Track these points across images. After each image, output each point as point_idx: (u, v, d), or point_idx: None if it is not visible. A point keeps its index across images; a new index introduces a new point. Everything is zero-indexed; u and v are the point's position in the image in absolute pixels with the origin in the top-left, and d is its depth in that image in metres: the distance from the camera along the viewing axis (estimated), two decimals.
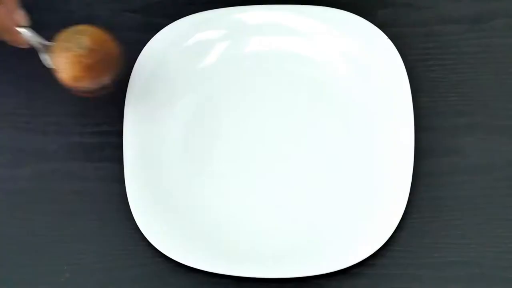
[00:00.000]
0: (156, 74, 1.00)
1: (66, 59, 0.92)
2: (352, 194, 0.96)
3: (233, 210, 0.96)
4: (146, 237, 0.93)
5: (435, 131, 0.99)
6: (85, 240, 0.95)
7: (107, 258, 0.95)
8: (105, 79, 0.93)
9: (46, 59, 0.94)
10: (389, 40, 1.00)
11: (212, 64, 1.01)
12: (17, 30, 0.91)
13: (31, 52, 1.03)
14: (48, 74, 1.02)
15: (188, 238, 0.94)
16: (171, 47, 1.01)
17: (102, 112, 1.00)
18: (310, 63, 1.01)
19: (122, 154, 0.96)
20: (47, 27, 1.01)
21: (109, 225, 0.96)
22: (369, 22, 1.01)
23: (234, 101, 1.00)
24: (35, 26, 1.03)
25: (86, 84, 0.93)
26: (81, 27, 0.94)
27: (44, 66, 1.00)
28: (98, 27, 0.93)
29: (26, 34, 0.92)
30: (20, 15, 0.91)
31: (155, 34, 1.01)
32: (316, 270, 0.92)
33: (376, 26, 1.01)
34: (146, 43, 1.01)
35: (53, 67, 0.93)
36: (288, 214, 0.96)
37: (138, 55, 1.00)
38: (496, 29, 1.04)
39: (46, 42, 0.94)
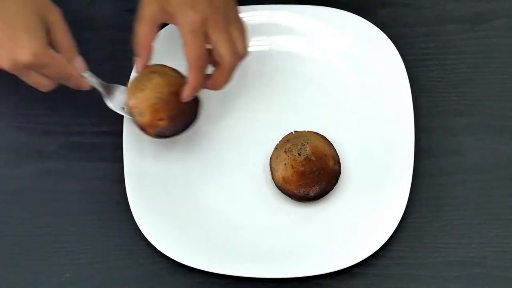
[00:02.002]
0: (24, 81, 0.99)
1: (143, 100, 0.92)
2: (352, 194, 0.96)
3: (233, 210, 0.96)
4: (146, 237, 0.93)
5: (435, 131, 0.99)
6: (85, 240, 0.95)
7: (107, 258, 0.95)
8: (183, 122, 0.94)
9: (108, 101, 0.95)
10: (389, 40, 1.00)
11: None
12: (79, 76, 0.93)
13: None
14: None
15: (188, 238, 0.94)
16: (171, 47, 1.01)
17: (102, 112, 1.00)
18: (310, 63, 1.01)
19: (122, 154, 0.96)
20: None
21: (109, 225, 0.96)
22: (369, 22, 1.01)
23: (234, 100, 1.00)
24: None
25: (163, 127, 0.93)
26: (154, 67, 0.94)
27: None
28: (170, 70, 0.94)
29: (88, 78, 0.94)
30: (79, 62, 0.94)
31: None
32: (316, 270, 0.92)
33: (376, 26, 1.01)
34: None
35: (125, 110, 0.94)
36: (288, 215, 0.96)
37: None
38: (496, 29, 1.04)
39: (108, 84, 0.96)
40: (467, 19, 1.04)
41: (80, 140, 0.99)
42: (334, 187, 0.95)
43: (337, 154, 0.96)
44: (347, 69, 1.01)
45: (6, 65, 0.88)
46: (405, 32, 1.03)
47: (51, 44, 0.90)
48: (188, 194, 0.96)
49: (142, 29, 0.93)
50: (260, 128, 0.99)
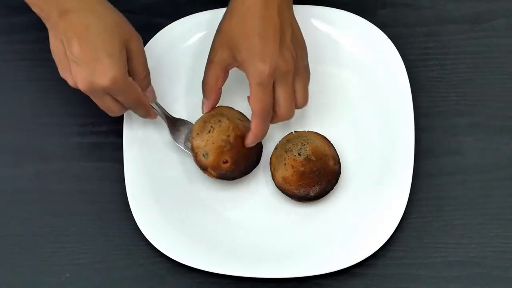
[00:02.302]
0: (156, 74, 1.00)
1: (210, 142, 0.93)
2: (352, 194, 0.96)
3: (233, 210, 0.96)
4: (146, 237, 0.93)
5: (435, 131, 0.99)
6: (85, 240, 0.95)
7: (107, 258, 0.95)
8: (246, 166, 0.95)
9: (172, 135, 0.97)
10: (389, 40, 1.00)
11: None
12: (150, 106, 0.94)
13: (31, 54, 1.03)
14: (48, 75, 1.02)
15: (188, 238, 0.94)
16: (171, 47, 1.01)
17: (102, 112, 1.00)
18: (310, 63, 1.01)
19: (122, 154, 0.96)
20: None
21: (109, 225, 0.96)
22: (369, 22, 1.01)
23: (234, 101, 1.00)
24: (36, 27, 1.03)
25: (227, 170, 0.94)
26: (221, 109, 0.95)
27: (44, 66, 1.00)
28: (238, 113, 0.95)
29: (156, 109, 0.96)
30: (151, 92, 0.95)
31: (155, 34, 1.01)
32: (316, 270, 0.92)
33: (376, 26, 1.01)
34: (146, 43, 1.01)
35: (190, 147, 0.94)
36: (288, 215, 0.96)
37: None
38: (496, 29, 1.04)
39: (174, 117, 0.97)
40: (467, 19, 1.04)
41: (80, 140, 0.99)
42: (334, 187, 0.95)
43: (337, 154, 0.96)
44: (347, 69, 1.01)
45: (83, 86, 0.89)
46: (405, 32, 1.03)
47: (129, 71, 0.90)
48: (188, 194, 0.96)
49: (212, 72, 0.93)
50: None
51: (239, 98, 0.98)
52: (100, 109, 1.00)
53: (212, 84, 0.94)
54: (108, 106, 0.92)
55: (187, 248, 0.93)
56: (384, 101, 0.99)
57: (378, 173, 0.96)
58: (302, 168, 0.93)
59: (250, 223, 0.95)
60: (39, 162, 0.98)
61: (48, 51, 1.00)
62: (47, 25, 0.90)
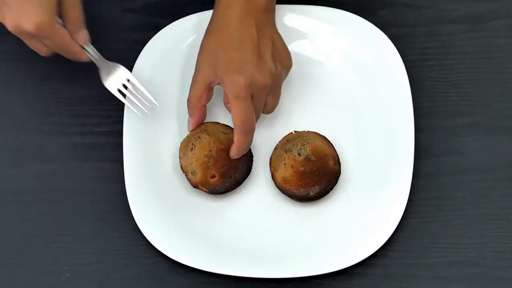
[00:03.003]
0: (156, 74, 1.00)
1: (194, 159, 0.93)
2: (352, 194, 0.96)
3: (233, 210, 0.96)
4: (146, 237, 0.93)
5: (435, 131, 0.99)
6: (85, 240, 0.95)
7: (107, 258, 0.95)
8: (236, 178, 0.95)
9: (104, 80, 0.96)
10: (389, 40, 1.00)
11: None
12: (79, 50, 0.95)
13: (31, 54, 1.03)
14: (48, 75, 1.02)
15: (188, 238, 0.94)
16: (171, 47, 1.01)
17: (102, 112, 1.00)
18: (310, 63, 1.01)
19: (122, 154, 0.96)
20: None
21: (109, 225, 0.96)
22: (369, 22, 1.01)
23: (218, 115, 1.00)
24: None
25: (216, 184, 0.94)
26: (204, 126, 0.96)
27: (43, 67, 1.00)
28: (222, 127, 0.96)
29: (89, 51, 0.96)
30: (83, 34, 0.95)
31: (155, 34, 1.01)
32: (316, 270, 0.92)
33: (376, 26, 1.01)
34: (146, 43, 1.01)
35: (184, 166, 0.95)
36: (288, 215, 0.96)
37: (138, 55, 1.00)
38: (496, 29, 1.04)
39: (108, 61, 0.97)
40: (467, 19, 1.04)
41: (80, 140, 0.99)
42: (334, 187, 0.95)
43: (337, 154, 0.96)
44: (347, 69, 1.01)
45: (10, 27, 0.90)
46: (405, 32, 1.03)
47: (61, 13, 0.91)
48: (188, 194, 0.96)
49: (195, 91, 0.94)
50: (260, 128, 0.99)
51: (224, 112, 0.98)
52: (100, 109, 1.00)
53: (195, 103, 0.95)
54: (37, 48, 0.93)
55: (187, 248, 0.93)
56: (384, 101, 0.99)
57: (378, 173, 0.96)
58: (302, 168, 0.93)
59: (250, 223, 0.95)
60: (39, 162, 0.98)
61: None
62: None
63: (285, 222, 0.96)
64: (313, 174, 0.93)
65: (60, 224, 0.96)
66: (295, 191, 0.94)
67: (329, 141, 0.96)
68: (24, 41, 0.93)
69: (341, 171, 0.96)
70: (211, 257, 0.93)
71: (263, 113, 0.95)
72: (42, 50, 0.94)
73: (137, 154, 0.97)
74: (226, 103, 0.94)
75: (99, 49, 0.95)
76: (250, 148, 0.96)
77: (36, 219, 0.96)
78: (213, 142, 0.94)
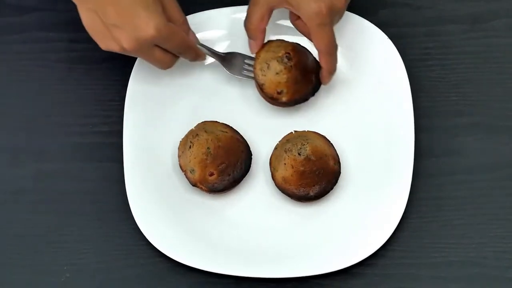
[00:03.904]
0: (156, 74, 1.00)
1: (192, 157, 0.94)
2: (352, 194, 0.96)
3: (233, 210, 0.96)
4: (146, 237, 0.93)
5: (435, 131, 0.99)
6: (85, 240, 0.95)
7: (107, 258, 0.95)
8: (234, 176, 0.95)
9: (227, 70, 0.99)
10: (389, 40, 1.00)
11: (212, 64, 1.01)
12: (197, 47, 0.96)
13: (31, 54, 1.03)
14: (48, 75, 1.02)
15: (188, 238, 0.94)
16: None
17: (102, 112, 1.00)
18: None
19: (122, 154, 0.96)
20: (48, 27, 1.02)
21: (109, 225, 0.96)
22: (369, 22, 1.01)
23: (234, 100, 1.00)
24: (36, 27, 1.03)
25: (214, 181, 0.94)
26: (203, 124, 0.96)
27: (43, 67, 1.00)
28: (220, 125, 0.96)
29: (203, 49, 0.97)
30: (193, 35, 0.96)
31: None
32: (316, 270, 0.92)
33: (376, 26, 1.01)
34: None
35: (183, 165, 0.95)
36: (288, 215, 0.96)
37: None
38: (496, 29, 1.04)
39: (222, 53, 0.98)
40: (467, 19, 1.04)
41: (80, 140, 0.99)
42: (334, 187, 0.95)
43: (337, 154, 0.96)
44: (347, 69, 1.01)
45: (129, 45, 0.89)
46: (405, 32, 1.03)
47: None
48: (188, 194, 0.96)
49: (257, 13, 0.94)
50: (260, 128, 0.99)
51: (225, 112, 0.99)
52: (100, 109, 1.00)
53: (257, 25, 0.95)
54: (159, 59, 0.93)
55: (187, 248, 0.93)
56: (384, 101, 0.99)
57: (378, 173, 0.96)
58: (302, 168, 0.93)
59: (250, 223, 0.95)
60: (39, 162, 0.98)
61: (48, 51, 1.01)
62: (74, 1, 0.89)
63: (285, 222, 0.96)
64: (313, 174, 0.93)
65: (60, 224, 0.96)
66: (295, 191, 0.94)
67: (329, 141, 0.96)
68: (145, 57, 0.92)
69: (341, 171, 0.96)
70: (211, 257, 0.93)
71: None
72: (165, 59, 0.93)
73: (137, 154, 0.97)
74: (294, 20, 0.95)
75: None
76: (248, 146, 0.96)
77: (36, 219, 0.96)
78: (211, 140, 0.94)
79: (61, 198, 0.97)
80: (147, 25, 0.88)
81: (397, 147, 0.96)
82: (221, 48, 1.01)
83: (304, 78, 0.96)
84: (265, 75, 0.96)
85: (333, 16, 0.92)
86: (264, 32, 0.96)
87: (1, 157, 0.99)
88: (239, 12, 1.01)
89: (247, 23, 0.96)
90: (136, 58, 0.99)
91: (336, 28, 1.01)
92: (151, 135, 0.98)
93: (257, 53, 0.97)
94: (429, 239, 0.95)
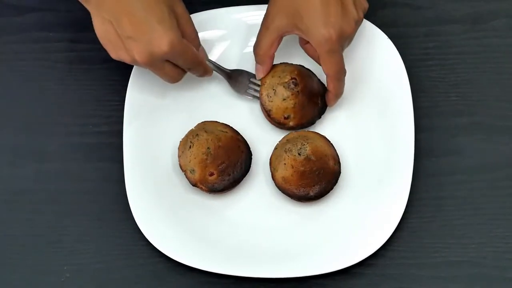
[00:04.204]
0: (156, 74, 1.00)
1: (192, 157, 0.94)
2: (352, 194, 0.96)
3: (233, 210, 0.96)
4: (146, 237, 0.93)
5: (435, 131, 0.99)
6: (85, 240, 0.95)
7: (107, 258, 0.95)
8: (234, 176, 0.94)
9: (232, 87, 0.99)
10: (389, 40, 1.00)
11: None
12: (206, 63, 0.96)
13: (31, 54, 1.03)
14: (48, 75, 1.02)
15: (188, 238, 0.94)
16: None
17: (102, 112, 1.00)
18: (310, 63, 1.01)
19: (122, 154, 0.96)
20: (48, 27, 1.02)
21: (109, 225, 0.96)
22: (369, 22, 1.01)
23: (234, 100, 1.00)
24: (36, 27, 1.03)
25: (214, 181, 0.94)
26: (203, 124, 0.96)
27: (43, 67, 1.00)
28: (220, 125, 0.96)
29: (211, 66, 0.97)
30: (203, 51, 0.96)
31: None
32: (316, 270, 0.92)
33: (376, 26, 1.01)
34: None
35: (183, 165, 0.95)
36: (288, 215, 0.96)
37: None
38: (496, 29, 1.04)
39: (229, 70, 0.99)
40: (467, 19, 1.04)
41: (80, 140, 0.99)
42: (334, 187, 0.95)
43: (337, 154, 0.96)
44: (347, 69, 1.01)
45: (142, 58, 0.89)
46: (405, 32, 1.03)
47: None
48: (188, 194, 0.96)
49: (267, 39, 0.94)
50: (260, 128, 0.99)
51: (226, 110, 0.99)
52: (100, 109, 1.00)
53: (266, 51, 0.95)
54: (169, 73, 0.93)
55: (187, 248, 0.93)
56: (384, 101, 0.99)
57: (378, 173, 0.96)
58: (302, 168, 0.93)
59: (250, 223, 0.95)
60: (39, 162, 0.98)
61: (48, 51, 1.01)
62: (89, 9, 0.90)
63: (285, 222, 0.96)
64: (313, 174, 0.93)
65: (60, 224, 0.96)
66: (295, 191, 0.94)
67: (329, 141, 0.96)
68: (156, 71, 0.92)
69: (341, 171, 0.96)
70: (211, 257, 0.93)
71: None
72: (174, 74, 0.94)
73: (137, 154, 0.97)
74: (304, 44, 0.95)
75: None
76: (249, 146, 0.96)
77: (36, 219, 0.96)
78: (211, 140, 0.94)
79: (61, 198, 0.97)
80: (162, 40, 0.88)
81: (397, 147, 0.96)
82: (221, 48, 1.01)
83: (310, 102, 0.97)
84: (272, 101, 0.96)
85: (343, 42, 0.92)
86: (272, 58, 0.96)
87: (1, 157, 0.99)
88: (239, 13, 1.01)
89: (256, 48, 0.96)
90: None
91: None
92: (151, 135, 0.98)
93: (262, 78, 0.98)
94: (429, 239, 0.95)
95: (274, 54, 0.96)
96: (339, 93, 0.96)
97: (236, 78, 0.99)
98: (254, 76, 0.99)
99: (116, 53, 0.90)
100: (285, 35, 0.94)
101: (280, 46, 0.96)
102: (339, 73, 0.93)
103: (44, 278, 0.94)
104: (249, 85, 0.99)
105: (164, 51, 0.88)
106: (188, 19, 0.93)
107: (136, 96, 0.99)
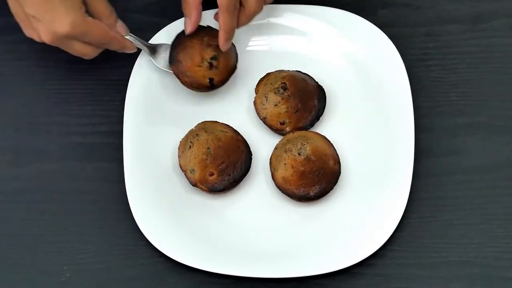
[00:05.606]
0: (156, 74, 1.00)
1: (192, 157, 0.94)
2: (352, 194, 0.96)
3: (233, 210, 0.96)
4: (146, 237, 0.93)
5: (435, 131, 0.99)
6: (85, 240, 0.95)
7: (107, 258, 0.95)
8: (234, 176, 0.94)
9: (155, 61, 0.99)
10: (389, 40, 1.00)
11: None
12: (122, 38, 0.96)
13: (31, 54, 1.03)
14: (48, 75, 1.02)
15: (188, 238, 0.94)
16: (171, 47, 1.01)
17: (102, 112, 1.00)
18: (310, 63, 1.01)
19: (122, 154, 0.96)
20: None
21: (109, 225, 0.96)
22: (369, 22, 1.01)
23: (234, 100, 1.00)
24: None
25: (214, 181, 0.94)
26: (203, 124, 0.96)
27: (42, 67, 1.00)
28: (220, 125, 0.96)
29: (132, 40, 0.97)
30: (120, 26, 0.96)
31: (155, 34, 1.01)
32: (316, 270, 0.92)
33: (376, 26, 1.01)
34: None
35: (183, 165, 0.95)
36: (288, 215, 0.96)
37: (138, 55, 1.00)
38: (496, 29, 1.04)
39: (152, 44, 0.99)
40: (467, 19, 1.04)
41: (80, 140, 0.99)
42: (334, 187, 0.95)
43: (337, 154, 0.96)
44: (347, 69, 1.01)
45: (46, 38, 0.91)
46: (405, 32, 1.03)
47: (91, 13, 0.92)
48: (188, 194, 0.96)
49: None
50: (260, 128, 0.99)
51: (233, 110, 0.99)
52: (100, 109, 1.00)
53: (192, 2, 0.95)
54: (80, 51, 0.94)
55: (187, 248, 0.93)
56: (384, 101, 0.99)
57: (378, 173, 0.96)
58: (302, 168, 0.93)
59: (250, 223, 0.95)
60: (39, 162, 0.98)
61: (48, 51, 1.01)
62: None
63: (285, 222, 0.96)
64: (313, 174, 0.93)
65: (60, 224, 0.96)
66: (295, 191, 0.94)
67: (329, 141, 0.96)
68: (65, 50, 0.94)
69: (341, 171, 0.96)
70: (211, 257, 0.93)
71: (265, 2, 0.96)
72: (86, 51, 0.94)
73: (137, 154, 0.97)
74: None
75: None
76: (249, 146, 0.96)
77: (36, 219, 0.96)
78: (211, 140, 0.94)
79: (61, 198, 0.97)
80: (63, 20, 0.89)
81: (397, 147, 0.96)
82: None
83: (304, 105, 0.96)
84: (265, 108, 0.97)
85: None
86: (199, 9, 0.95)
87: (1, 157, 0.99)
88: None
89: (182, 2, 0.96)
90: (136, 58, 0.99)
91: (336, 27, 1.01)
92: (151, 135, 0.98)
93: (256, 87, 0.98)
94: (429, 239, 0.95)
95: (200, 4, 0.95)
96: (229, 29, 0.94)
97: (159, 52, 0.99)
98: None
99: (27, 31, 0.93)
100: None
101: (277, 51, 0.96)
102: (231, 5, 0.92)
103: (44, 278, 0.94)
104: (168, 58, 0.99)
105: (66, 31, 0.89)
106: None
107: (136, 96, 0.99)
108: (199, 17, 0.96)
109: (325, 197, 0.95)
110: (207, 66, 0.96)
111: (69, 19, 0.89)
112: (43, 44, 0.93)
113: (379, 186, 0.95)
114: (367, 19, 1.01)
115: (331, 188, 0.95)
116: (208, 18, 0.99)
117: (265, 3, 0.95)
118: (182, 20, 1.01)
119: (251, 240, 0.94)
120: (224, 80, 0.98)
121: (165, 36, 1.00)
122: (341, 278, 0.93)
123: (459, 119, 1.00)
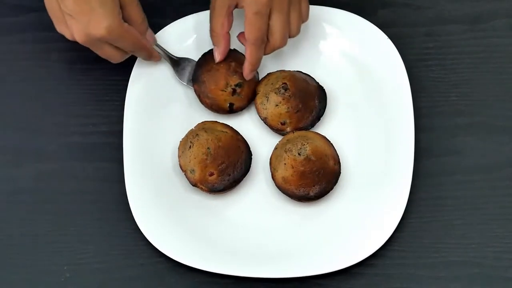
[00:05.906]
0: (155, 74, 1.00)
1: (192, 157, 0.94)
2: (352, 194, 0.96)
3: (233, 210, 0.96)
4: (146, 237, 0.93)
5: (435, 131, 0.99)
6: (85, 240, 0.95)
7: (107, 258, 0.95)
8: (234, 176, 0.95)
9: (177, 74, 0.99)
10: (389, 40, 1.00)
11: None
12: (151, 48, 0.97)
13: (31, 54, 1.03)
14: (48, 75, 1.02)
15: (188, 238, 0.94)
16: (170, 47, 1.01)
17: (102, 112, 1.00)
18: (311, 63, 1.01)
19: (122, 154, 0.96)
20: (48, 27, 1.01)
21: (109, 225, 0.96)
22: (369, 22, 1.01)
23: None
24: (36, 27, 1.03)
25: (214, 181, 0.94)
26: (203, 124, 0.96)
27: (43, 67, 1.00)
28: (220, 125, 0.96)
29: (158, 50, 0.98)
30: (150, 35, 0.97)
31: (155, 34, 1.01)
32: (316, 270, 0.92)
33: (376, 26, 1.01)
34: None
35: (183, 165, 0.95)
36: (288, 215, 0.96)
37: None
38: (496, 29, 1.04)
39: (177, 57, 0.99)
40: (467, 19, 1.04)
41: (80, 140, 0.99)
42: (334, 187, 0.95)
43: (337, 154, 0.96)
44: (347, 69, 1.01)
45: (79, 38, 0.91)
46: (405, 32, 1.03)
47: (125, 18, 0.92)
48: (188, 194, 0.96)
49: (216, 18, 0.95)
50: (260, 127, 0.99)
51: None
52: (100, 109, 1.00)
53: (218, 31, 0.95)
54: (109, 54, 0.94)
55: (187, 248, 0.93)
56: (384, 101, 0.99)
57: (378, 173, 0.96)
58: (302, 168, 0.93)
59: (250, 223, 0.95)
60: (39, 162, 0.98)
61: (48, 51, 1.01)
62: None
63: (285, 222, 0.96)
64: (313, 174, 0.93)
65: (60, 224, 0.96)
66: (295, 191, 0.94)
67: (329, 141, 0.96)
68: (94, 50, 0.94)
69: (341, 171, 0.96)
70: (211, 257, 0.93)
71: (291, 35, 0.96)
72: (114, 55, 0.94)
73: (137, 154, 0.97)
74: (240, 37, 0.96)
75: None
76: (249, 146, 0.96)
77: (36, 219, 0.96)
78: (211, 140, 0.94)
79: (61, 198, 0.97)
80: (100, 24, 0.89)
81: (397, 147, 0.96)
82: None
83: (305, 105, 0.96)
84: (266, 109, 0.97)
85: (274, 5, 0.92)
86: (227, 37, 0.96)
87: (1, 157, 0.99)
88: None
89: (210, 30, 0.96)
90: (136, 58, 0.99)
91: (336, 27, 1.01)
92: (151, 135, 0.98)
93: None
94: (429, 239, 0.95)
95: (228, 33, 0.96)
96: (255, 61, 0.95)
97: (182, 66, 0.99)
98: None
99: (59, 27, 0.93)
100: (231, 9, 0.94)
101: (277, 51, 0.96)
102: (259, 39, 0.93)
103: (44, 278, 0.94)
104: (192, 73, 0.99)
105: (101, 34, 0.90)
106: (134, 3, 0.93)
107: (136, 96, 0.99)
108: (228, 47, 0.97)
109: (325, 197, 0.95)
110: (230, 91, 0.97)
111: (106, 23, 0.89)
112: (43, 44, 0.93)
113: (379, 186, 0.95)
114: (367, 19, 1.01)
115: (331, 188, 0.95)
116: (208, 18, 0.99)
117: (290, 36, 0.96)
118: (182, 20, 1.02)
119: (251, 240, 0.95)
120: (243, 107, 0.98)
121: (164, 36, 1.00)
122: (341, 278, 0.93)
123: (459, 119, 1.00)
